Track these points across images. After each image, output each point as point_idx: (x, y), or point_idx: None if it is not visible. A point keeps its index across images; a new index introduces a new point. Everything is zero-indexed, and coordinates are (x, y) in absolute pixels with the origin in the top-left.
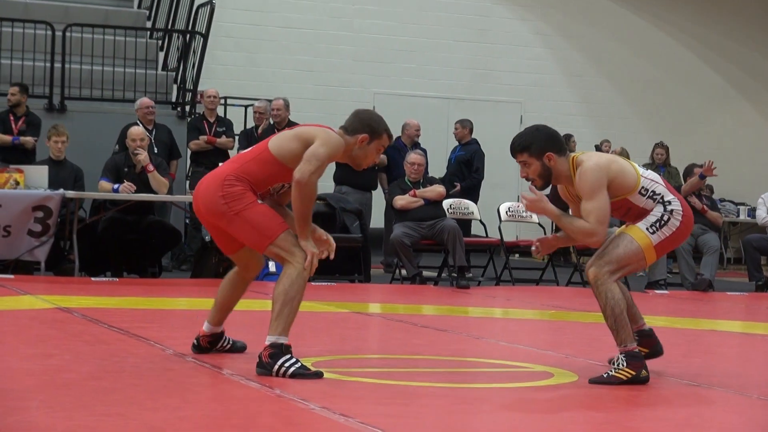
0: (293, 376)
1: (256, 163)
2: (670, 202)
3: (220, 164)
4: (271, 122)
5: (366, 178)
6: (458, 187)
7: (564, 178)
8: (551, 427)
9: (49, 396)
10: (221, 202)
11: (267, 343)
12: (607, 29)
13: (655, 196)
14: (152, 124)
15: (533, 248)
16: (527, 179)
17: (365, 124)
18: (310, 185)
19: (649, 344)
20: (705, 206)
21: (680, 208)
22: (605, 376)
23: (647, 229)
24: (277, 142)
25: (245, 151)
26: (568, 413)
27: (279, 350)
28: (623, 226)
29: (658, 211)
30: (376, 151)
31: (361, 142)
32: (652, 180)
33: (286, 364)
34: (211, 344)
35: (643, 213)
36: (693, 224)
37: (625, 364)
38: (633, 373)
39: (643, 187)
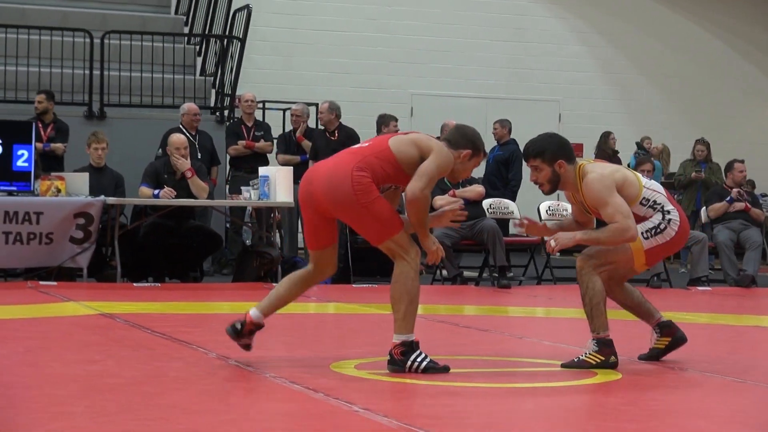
0: (425, 370)
1: (377, 159)
2: (669, 212)
3: (333, 156)
4: (320, 125)
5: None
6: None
7: (570, 184)
8: (595, 427)
9: (94, 401)
10: (350, 192)
11: (397, 341)
12: (643, 26)
13: (655, 206)
14: (195, 130)
15: (517, 222)
16: (536, 183)
17: (469, 140)
18: (424, 200)
19: (670, 333)
20: (746, 203)
21: (678, 219)
22: (576, 360)
23: (642, 234)
24: (397, 144)
25: (359, 145)
26: (612, 411)
27: (410, 347)
28: None
29: (656, 218)
30: (472, 167)
31: (464, 157)
32: (654, 190)
33: (418, 359)
34: (251, 333)
35: (641, 221)
36: (688, 236)
37: (596, 349)
38: (602, 358)
39: (644, 198)
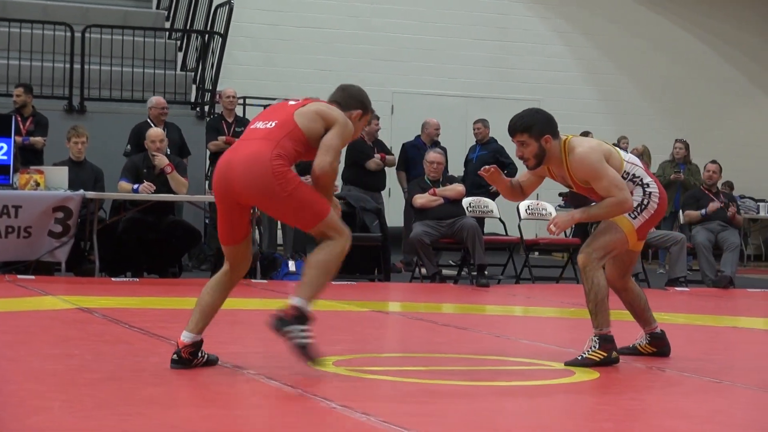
0: (299, 346)
1: (290, 140)
2: (648, 185)
3: (243, 141)
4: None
5: (375, 179)
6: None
7: (554, 159)
8: (573, 426)
9: (72, 396)
10: (274, 183)
11: (295, 303)
12: (626, 26)
13: (635, 179)
14: (163, 124)
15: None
16: (521, 158)
17: (358, 99)
18: (332, 173)
19: (659, 345)
20: (726, 204)
21: (657, 190)
22: (580, 358)
23: (629, 214)
24: (304, 121)
25: (266, 125)
26: (590, 411)
27: (304, 316)
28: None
29: (638, 194)
30: (362, 127)
31: (354, 118)
32: (633, 164)
33: (302, 333)
34: (192, 355)
35: None
36: (667, 203)
37: (598, 346)
38: (605, 354)
39: (625, 171)
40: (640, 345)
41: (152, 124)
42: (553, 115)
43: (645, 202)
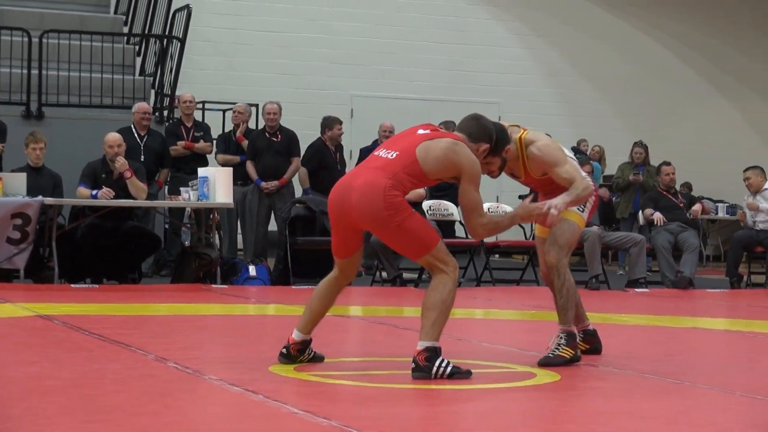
0: (451, 376)
1: (407, 174)
2: (585, 177)
3: (363, 168)
4: (269, 125)
5: (332, 183)
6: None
7: (512, 160)
8: (535, 428)
9: (32, 404)
10: (385, 213)
11: (422, 348)
12: (584, 28)
13: None
14: (146, 130)
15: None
16: (489, 174)
17: (488, 133)
18: (487, 229)
19: (592, 342)
20: (685, 205)
21: (590, 180)
22: (552, 356)
23: (578, 208)
24: (426, 157)
25: (387, 154)
26: (551, 413)
27: (434, 354)
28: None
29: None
30: (485, 163)
31: (482, 152)
32: (572, 158)
33: (443, 366)
34: (300, 352)
35: (562, 189)
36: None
37: (565, 342)
38: (573, 352)
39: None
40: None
41: (136, 130)
42: (497, 122)
43: None
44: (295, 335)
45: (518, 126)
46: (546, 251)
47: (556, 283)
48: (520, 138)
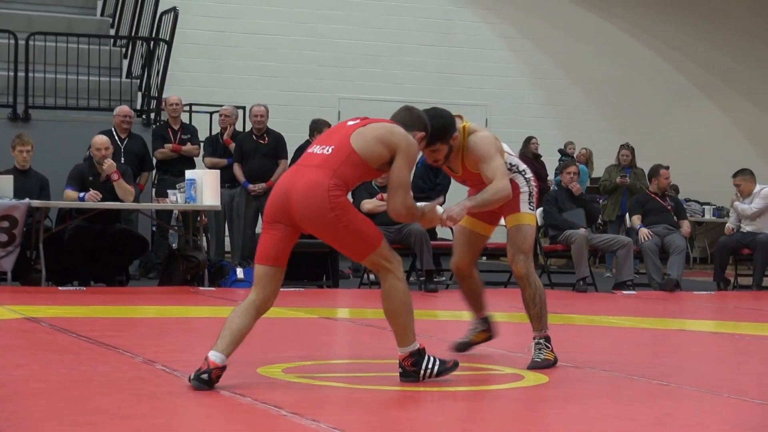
0: (439, 374)
1: (347, 167)
2: (525, 171)
3: (301, 167)
4: (256, 128)
5: None
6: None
7: (455, 150)
8: (522, 430)
9: (19, 406)
10: (330, 215)
11: (405, 353)
12: (571, 31)
13: (512, 168)
14: (126, 133)
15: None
16: (434, 163)
17: (422, 121)
18: (407, 210)
19: (490, 330)
20: (673, 209)
21: (530, 171)
22: (540, 360)
23: (529, 208)
24: (362, 143)
25: (323, 151)
26: (540, 415)
27: (419, 356)
28: (514, 214)
29: (523, 185)
30: (421, 149)
31: (418, 140)
32: (509, 153)
33: (430, 366)
34: (218, 378)
35: (515, 189)
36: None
37: (546, 347)
38: (554, 355)
39: (507, 162)
40: (474, 335)
41: (116, 133)
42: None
43: (532, 191)
44: (218, 359)
45: (461, 117)
46: (513, 261)
47: (528, 292)
48: (463, 128)
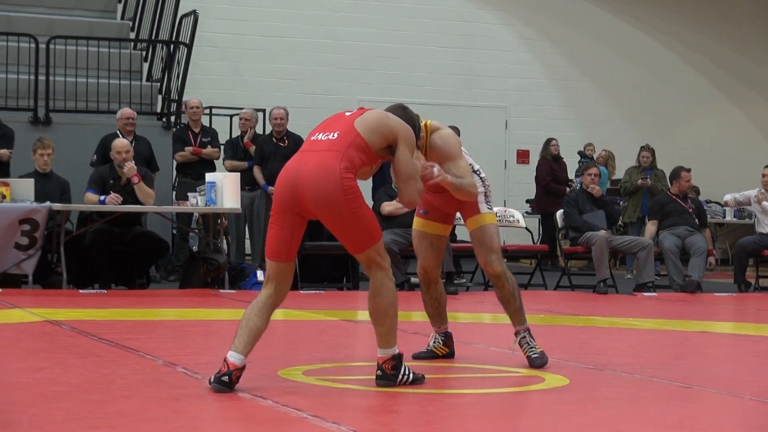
0: (413, 382)
1: (354, 150)
2: (479, 171)
3: (306, 153)
4: (275, 131)
5: None
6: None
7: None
8: None
9: (41, 409)
10: (342, 198)
11: (387, 356)
12: (591, 33)
13: (470, 167)
14: (132, 135)
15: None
16: None
17: (415, 122)
18: (420, 197)
19: (450, 345)
20: (694, 210)
21: (485, 174)
22: (538, 356)
23: (488, 208)
24: (365, 128)
25: (328, 137)
26: (560, 417)
27: (399, 361)
28: (474, 216)
29: (479, 185)
30: None
31: None
32: (467, 153)
33: (406, 374)
34: (238, 379)
35: (451, 195)
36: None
37: (531, 338)
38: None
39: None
40: (435, 347)
41: (121, 136)
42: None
43: (487, 190)
44: (237, 359)
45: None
46: (487, 263)
47: (507, 289)
48: (425, 125)
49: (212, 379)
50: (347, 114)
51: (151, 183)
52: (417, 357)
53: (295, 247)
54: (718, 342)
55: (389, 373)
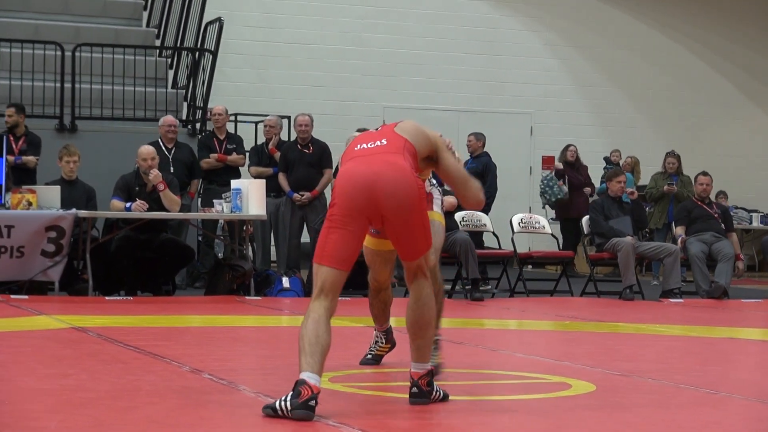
0: (442, 400)
1: (408, 154)
2: (438, 183)
3: (367, 156)
4: (300, 137)
5: None
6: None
7: None
8: None
9: (67, 416)
10: (417, 195)
11: (422, 371)
12: (616, 38)
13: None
14: (173, 143)
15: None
16: None
17: None
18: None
19: (390, 341)
20: (719, 216)
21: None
22: (437, 364)
23: (438, 209)
24: (410, 135)
25: (378, 143)
26: (588, 424)
27: (432, 377)
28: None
29: (437, 195)
30: None
31: None
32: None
33: (438, 390)
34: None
35: (431, 198)
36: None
37: (435, 348)
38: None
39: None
40: (379, 348)
41: (163, 144)
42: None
43: (441, 197)
44: (318, 381)
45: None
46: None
47: (433, 287)
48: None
49: (294, 405)
50: (381, 127)
51: (176, 190)
52: (364, 363)
53: (356, 252)
54: (746, 348)
55: (425, 390)
